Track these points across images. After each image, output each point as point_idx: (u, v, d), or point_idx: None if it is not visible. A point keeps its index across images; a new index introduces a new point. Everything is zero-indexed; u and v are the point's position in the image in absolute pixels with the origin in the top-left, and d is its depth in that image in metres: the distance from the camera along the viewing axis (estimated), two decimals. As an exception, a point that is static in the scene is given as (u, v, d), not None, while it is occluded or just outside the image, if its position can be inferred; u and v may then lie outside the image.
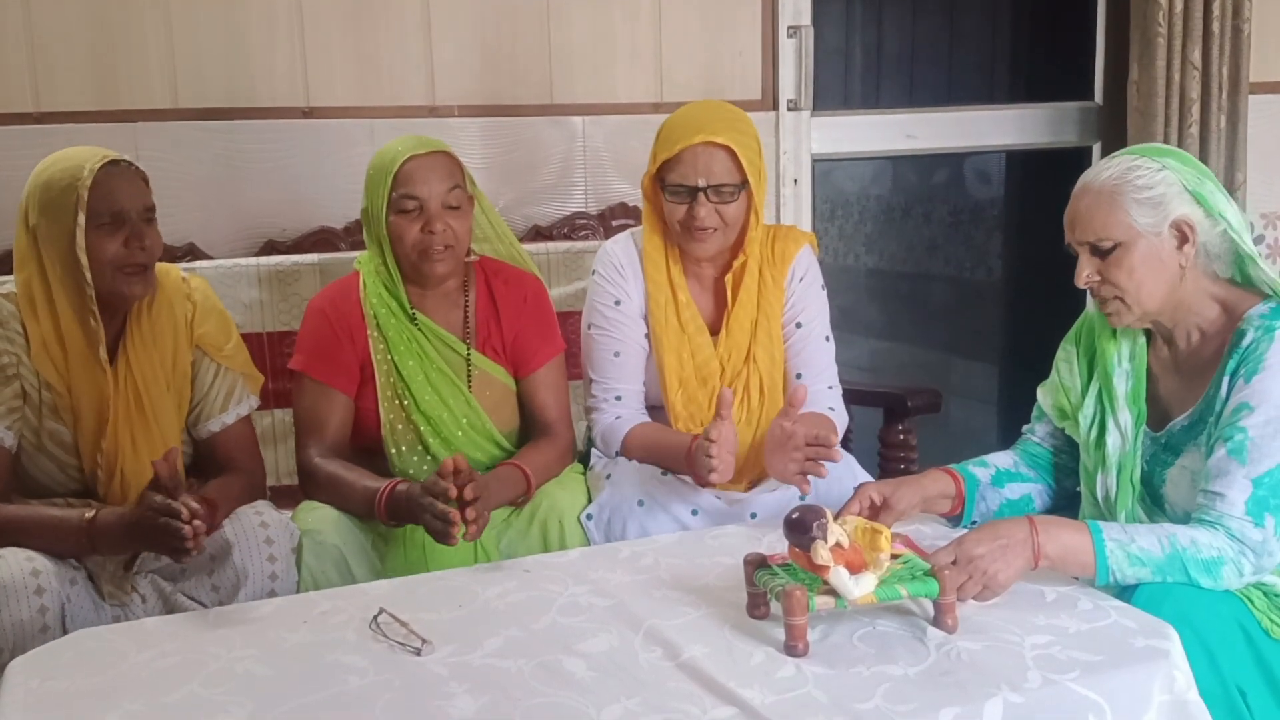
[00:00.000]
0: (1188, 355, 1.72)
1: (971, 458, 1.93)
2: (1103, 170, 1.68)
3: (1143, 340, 1.77)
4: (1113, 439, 1.75)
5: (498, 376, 2.14)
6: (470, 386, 2.11)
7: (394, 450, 2.09)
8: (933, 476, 1.85)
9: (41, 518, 1.78)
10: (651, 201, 2.14)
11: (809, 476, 1.86)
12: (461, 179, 2.07)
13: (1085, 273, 1.68)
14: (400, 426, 2.09)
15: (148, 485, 1.69)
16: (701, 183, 2.03)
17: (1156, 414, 1.75)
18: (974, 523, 1.84)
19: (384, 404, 2.08)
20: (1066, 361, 1.87)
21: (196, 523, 1.64)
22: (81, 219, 1.80)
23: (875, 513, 1.74)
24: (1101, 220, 1.65)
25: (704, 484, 2.00)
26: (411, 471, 2.09)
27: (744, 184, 2.06)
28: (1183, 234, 1.64)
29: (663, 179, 2.07)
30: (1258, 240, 3.42)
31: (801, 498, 1.93)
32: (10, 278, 1.93)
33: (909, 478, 1.86)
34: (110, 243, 1.83)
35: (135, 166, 1.89)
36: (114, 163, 1.85)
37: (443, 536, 1.76)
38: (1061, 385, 1.86)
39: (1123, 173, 1.65)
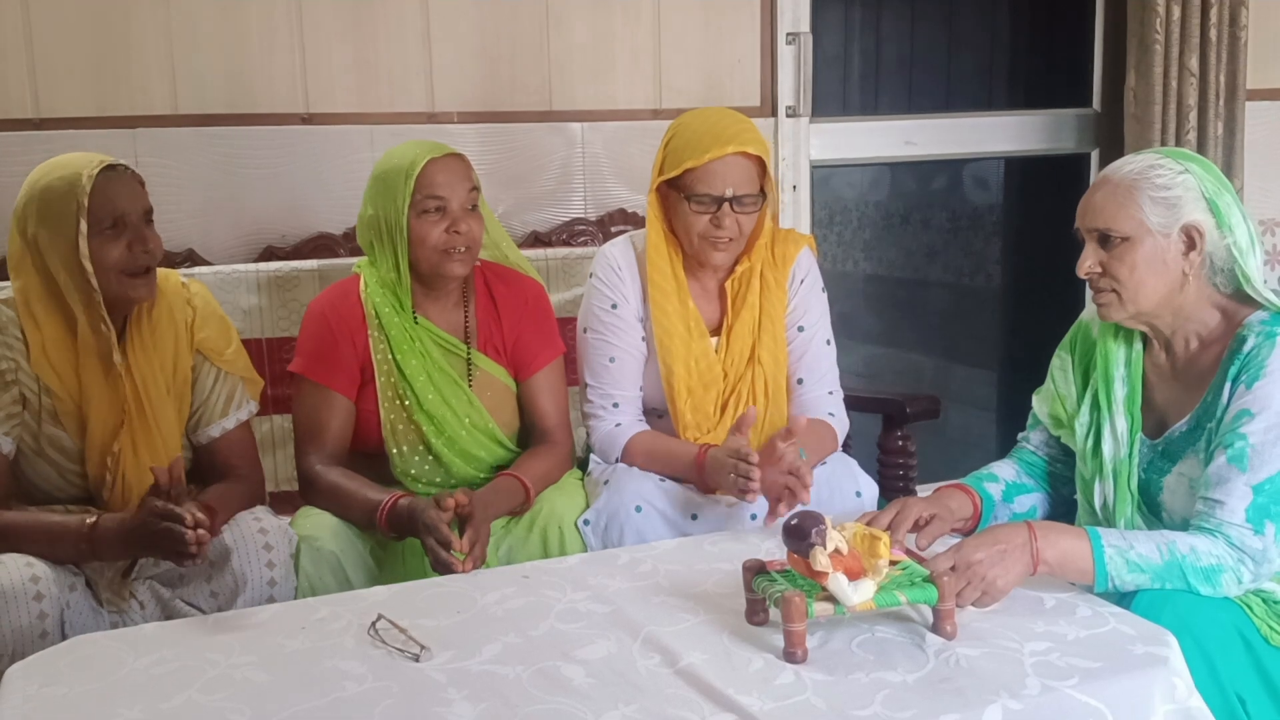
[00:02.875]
0: (1186, 361, 1.72)
1: (970, 465, 1.92)
2: (1125, 164, 1.68)
3: (1139, 347, 1.77)
4: (1108, 446, 1.75)
5: (499, 377, 2.14)
6: (471, 386, 2.11)
7: (395, 451, 2.09)
8: (958, 500, 1.82)
9: (42, 524, 1.78)
10: (660, 208, 2.13)
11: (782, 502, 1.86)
12: (475, 181, 2.08)
13: (1088, 262, 1.68)
14: (401, 427, 2.09)
15: (148, 491, 1.69)
16: (729, 193, 2.02)
17: (1153, 421, 1.75)
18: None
19: (385, 404, 2.08)
20: (1061, 369, 1.87)
21: (201, 531, 1.64)
22: (84, 226, 1.80)
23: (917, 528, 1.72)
24: (1114, 211, 1.65)
25: (709, 492, 2.01)
26: (414, 472, 2.09)
27: (764, 194, 2.06)
28: (1191, 240, 1.64)
29: (683, 187, 2.05)
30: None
31: (800, 505, 1.93)
32: (8, 283, 1.93)
33: (938, 505, 1.78)
34: (114, 248, 1.83)
35: (132, 170, 1.89)
36: (111, 167, 1.85)
37: (445, 573, 1.79)
38: (1057, 393, 1.86)
39: (1144, 169, 1.65)
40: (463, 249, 2.03)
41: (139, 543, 1.70)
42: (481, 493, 1.95)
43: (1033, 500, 1.89)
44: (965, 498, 1.83)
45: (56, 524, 1.77)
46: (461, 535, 1.82)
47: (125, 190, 1.85)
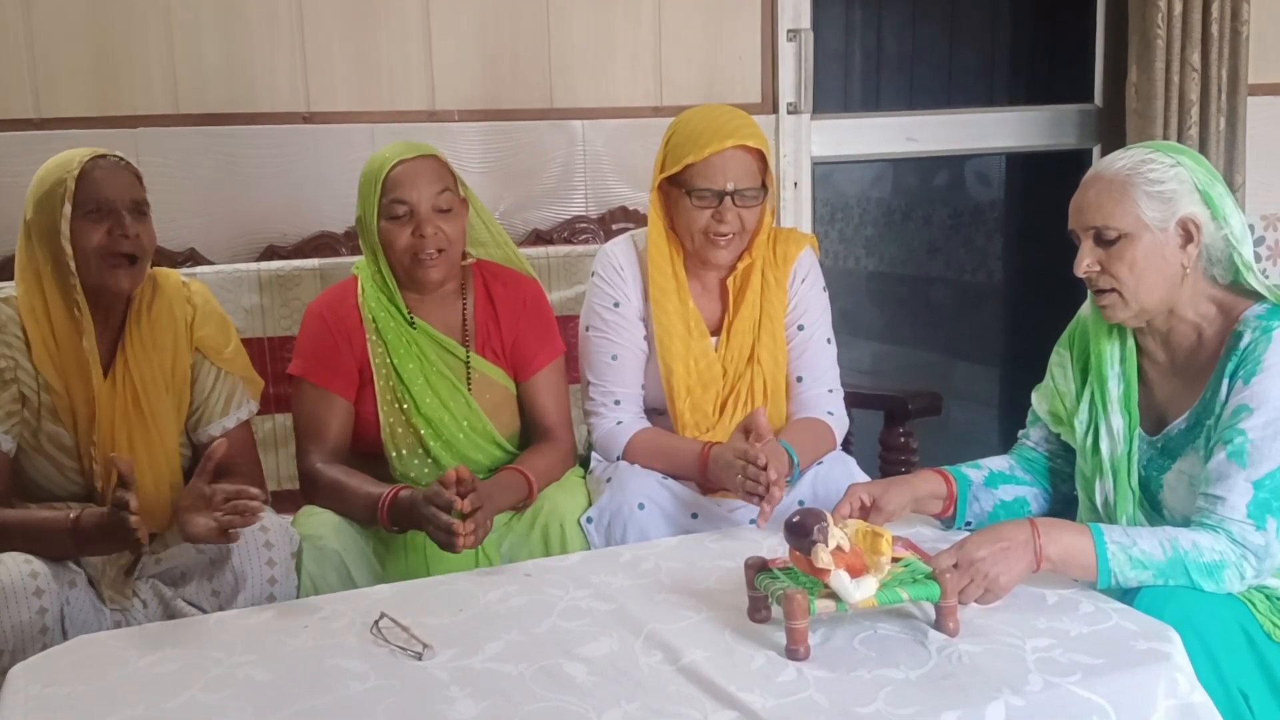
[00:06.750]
0: (1184, 358, 1.72)
1: (970, 460, 1.92)
2: (1116, 160, 1.68)
3: (1132, 343, 1.76)
4: (1106, 444, 1.74)
5: (497, 379, 2.14)
6: (470, 389, 2.11)
7: (394, 454, 2.09)
8: (924, 477, 1.84)
9: (29, 520, 1.79)
10: (662, 207, 2.13)
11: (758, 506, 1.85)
12: (452, 182, 2.07)
13: (1086, 261, 1.68)
14: (400, 430, 2.09)
15: (115, 483, 1.69)
16: (730, 186, 2.03)
17: (1152, 418, 1.75)
18: (968, 523, 1.84)
19: (383, 408, 2.08)
20: (1060, 366, 1.86)
21: (244, 502, 1.66)
22: (67, 209, 1.81)
23: (865, 513, 1.74)
24: (1109, 209, 1.64)
25: (709, 492, 2.00)
26: (413, 475, 2.09)
27: (765, 188, 2.07)
28: (1188, 233, 1.64)
29: (684, 183, 2.05)
30: (1257, 242, 3.42)
31: (800, 502, 1.94)
32: (11, 284, 1.94)
33: (899, 478, 1.86)
34: (95, 231, 1.84)
35: (125, 161, 1.90)
36: (103, 156, 1.87)
37: (447, 546, 1.79)
38: (1056, 390, 1.86)
39: (1136, 165, 1.65)
40: (434, 252, 2.02)
41: (114, 536, 1.70)
42: (485, 485, 1.94)
43: (1022, 491, 1.89)
44: (938, 477, 1.84)
45: (42, 520, 1.78)
46: (464, 517, 1.80)
47: (113, 177, 1.86)
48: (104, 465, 1.90)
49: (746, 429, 1.91)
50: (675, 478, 2.06)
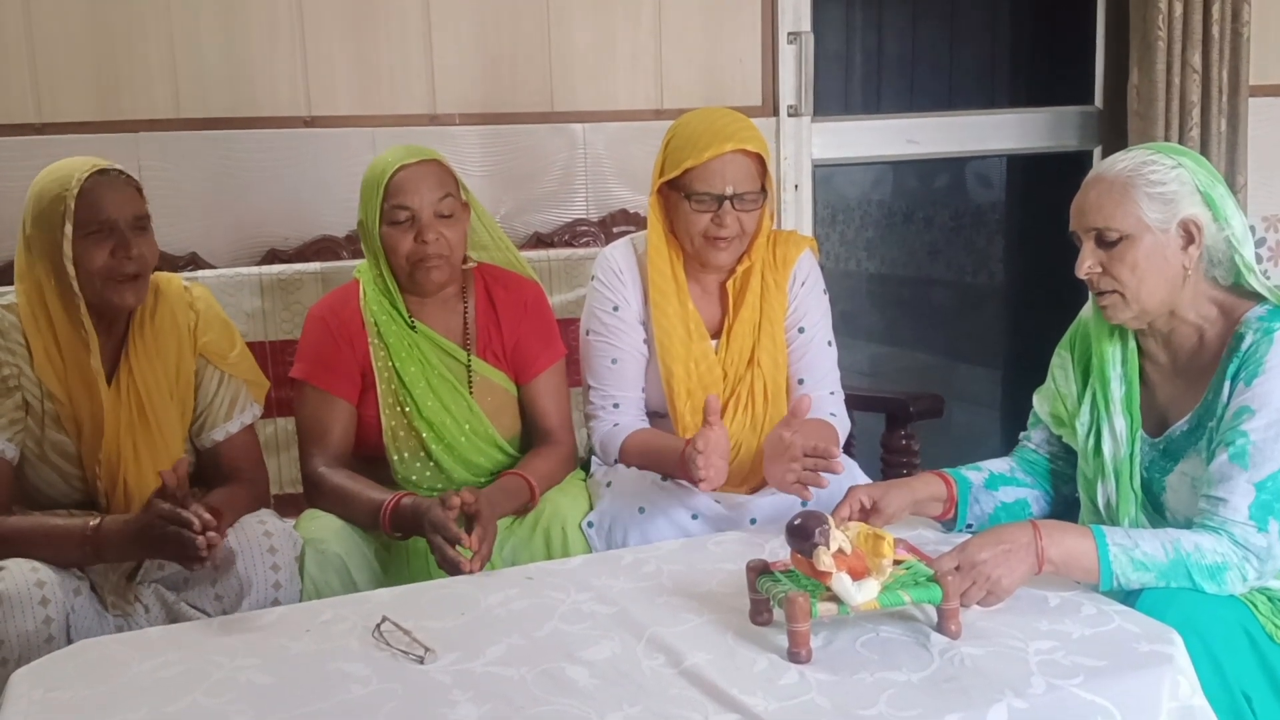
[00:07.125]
0: (1186, 360, 1.72)
1: (971, 463, 1.92)
2: (1117, 162, 1.68)
3: (1134, 345, 1.76)
4: (1108, 446, 1.74)
5: (499, 382, 2.14)
6: (471, 392, 2.11)
7: (396, 457, 2.09)
8: (924, 479, 1.84)
9: (44, 527, 1.78)
10: (661, 210, 2.13)
11: (810, 486, 1.83)
12: (454, 187, 2.07)
13: (1087, 263, 1.68)
14: (402, 434, 2.09)
15: (154, 493, 1.69)
16: (729, 191, 2.03)
17: (1154, 420, 1.74)
18: (968, 526, 1.84)
19: (385, 411, 2.08)
20: (1061, 368, 1.86)
21: (211, 534, 1.64)
22: (68, 229, 1.80)
23: (866, 516, 1.74)
24: (1111, 209, 1.64)
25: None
26: (415, 478, 2.10)
27: (764, 191, 2.07)
28: (1189, 234, 1.64)
29: (684, 187, 2.05)
30: (1259, 243, 3.42)
31: (804, 504, 1.93)
32: (11, 289, 1.94)
33: (899, 480, 1.86)
34: (98, 252, 1.83)
35: (126, 175, 1.88)
36: (103, 172, 1.84)
37: (452, 575, 1.78)
38: (1058, 392, 1.86)
39: (1137, 166, 1.65)
40: (436, 258, 2.02)
41: (144, 544, 1.70)
42: (487, 491, 1.95)
43: (1023, 493, 1.88)
44: (938, 479, 1.83)
45: (59, 527, 1.78)
46: (469, 534, 1.81)
47: (115, 195, 1.84)
48: (107, 473, 1.90)
49: (706, 417, 1.89)
50: (673, 478, 2.06)
